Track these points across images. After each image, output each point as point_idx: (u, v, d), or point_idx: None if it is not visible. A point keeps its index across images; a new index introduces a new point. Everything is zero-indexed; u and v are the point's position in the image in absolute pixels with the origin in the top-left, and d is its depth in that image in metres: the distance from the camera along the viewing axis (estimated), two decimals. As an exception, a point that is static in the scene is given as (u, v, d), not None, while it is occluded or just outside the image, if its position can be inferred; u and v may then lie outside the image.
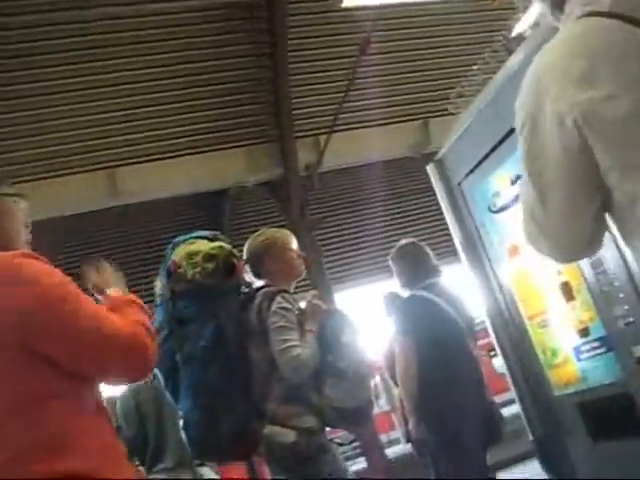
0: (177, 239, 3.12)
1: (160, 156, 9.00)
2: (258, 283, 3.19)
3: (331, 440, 3.03)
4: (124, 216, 10.71)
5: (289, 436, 2.81)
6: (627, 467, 2.78)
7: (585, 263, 2.77)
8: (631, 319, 2.66)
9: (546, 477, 3.44)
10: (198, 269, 2.92)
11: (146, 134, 8.83)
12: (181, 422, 2.94)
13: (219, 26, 8.34)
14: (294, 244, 3.30)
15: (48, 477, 1.47)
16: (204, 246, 2.99)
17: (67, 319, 1.59)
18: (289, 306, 2.94)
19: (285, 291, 3.03)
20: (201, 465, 4.10)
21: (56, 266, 1.70)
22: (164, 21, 8.01)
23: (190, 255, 2.96)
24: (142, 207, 10.49)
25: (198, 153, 9.17)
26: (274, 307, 2.92)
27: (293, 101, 9.21)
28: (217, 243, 3.02)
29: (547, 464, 3.42)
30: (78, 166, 8.58)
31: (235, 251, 3.06)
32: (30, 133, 8.16)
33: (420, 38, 9.40)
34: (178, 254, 3.00)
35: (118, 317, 1.69)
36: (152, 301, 3.15)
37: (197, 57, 8.49)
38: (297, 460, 2.80)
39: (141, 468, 4.00)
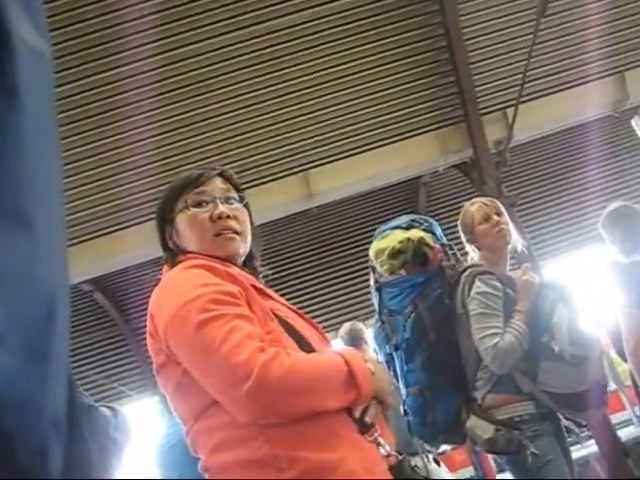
0: (378, 229, 3.15)
1: (350, 153, 9.13)
2: (473, 259, 3.11)
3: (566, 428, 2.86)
4: (320, 216, 11.02)
5: (487, 431, 2.70)
6: None
7: None
8: None
9: None
10: (385, 266, 2.97)
11: (335, 133, 8.99)
12: (401, 408, 2.97)
13: (392, 15, 8.32)
14: (488, 214, 3.08)
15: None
16: (393, 240, 2.97)
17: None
18: (489, 289, 2.80)
19: (487, 272, 2.88)
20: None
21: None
22: (340, 19, 8.14)
23: (377, 253, 3.01)
24: (334, 205, 10.71)
25: (386, 145, 9.16)
26: (472, 292, 2.82)
27: (474, 78, 8.93)
28: (406, 235, 2.97)
29: None
30: (272, 174, 8.94)
31: (428, 238, 2.98)
32: (229, 148, 8.65)
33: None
34: (371, 250, 3.07)
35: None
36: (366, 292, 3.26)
37: (375, 50, 8.52)
38: (496, 453, 2.81)
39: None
